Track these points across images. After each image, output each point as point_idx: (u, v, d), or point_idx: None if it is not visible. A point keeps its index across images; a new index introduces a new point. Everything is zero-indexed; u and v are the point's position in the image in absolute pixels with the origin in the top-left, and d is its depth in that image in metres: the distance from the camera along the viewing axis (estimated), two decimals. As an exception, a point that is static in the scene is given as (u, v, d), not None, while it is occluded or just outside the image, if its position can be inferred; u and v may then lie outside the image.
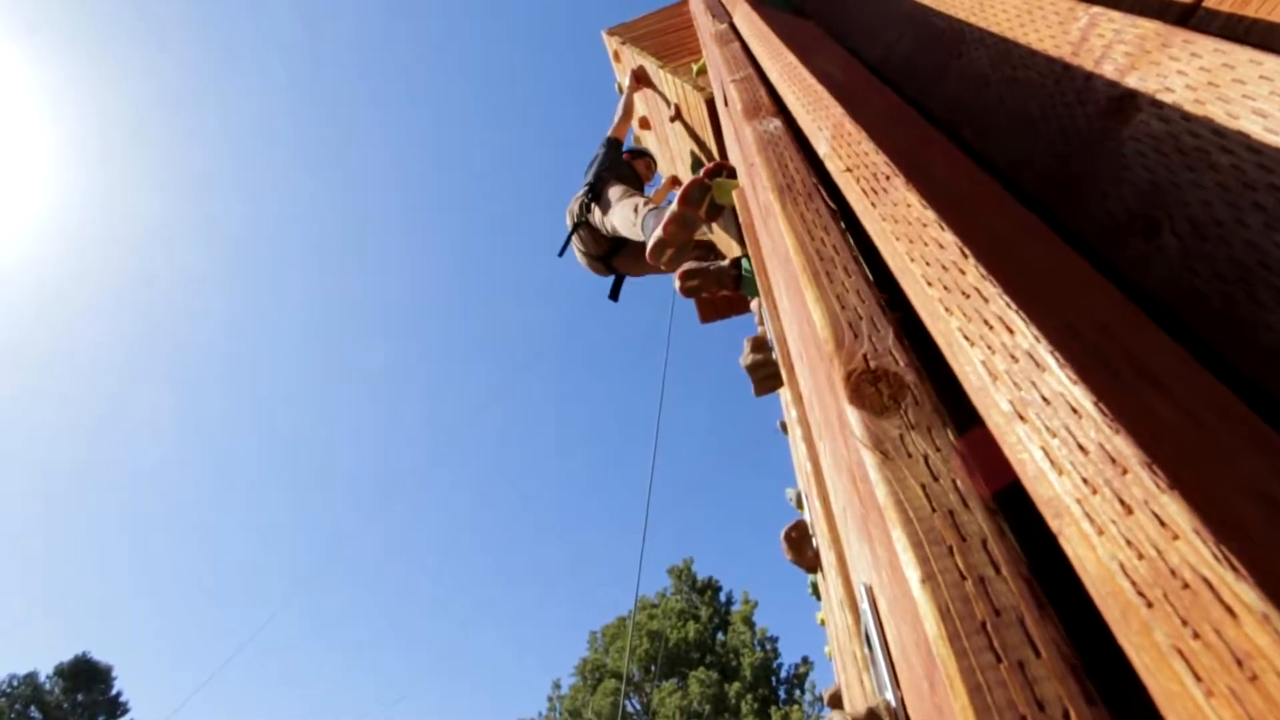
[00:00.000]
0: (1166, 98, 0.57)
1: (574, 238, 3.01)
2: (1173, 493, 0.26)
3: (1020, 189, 0.75)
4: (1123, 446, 0.28)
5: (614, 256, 2.98)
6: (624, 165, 3.24)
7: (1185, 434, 0.30)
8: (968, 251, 0.42)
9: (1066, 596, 0.31)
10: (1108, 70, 0.64)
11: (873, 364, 0.43)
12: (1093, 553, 0.27)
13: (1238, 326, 0.47)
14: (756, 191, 0.92)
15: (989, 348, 0.37)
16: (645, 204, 2.44)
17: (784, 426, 2.70)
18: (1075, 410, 0.31)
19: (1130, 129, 0.60)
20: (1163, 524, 0.26)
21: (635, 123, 3.83)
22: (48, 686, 22.68)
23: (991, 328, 0.37)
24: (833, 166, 0.67)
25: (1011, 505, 0.35)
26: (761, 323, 2.53)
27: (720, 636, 19.05)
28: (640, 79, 3.19)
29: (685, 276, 2.29)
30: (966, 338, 0.38)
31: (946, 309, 0.41)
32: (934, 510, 0.33)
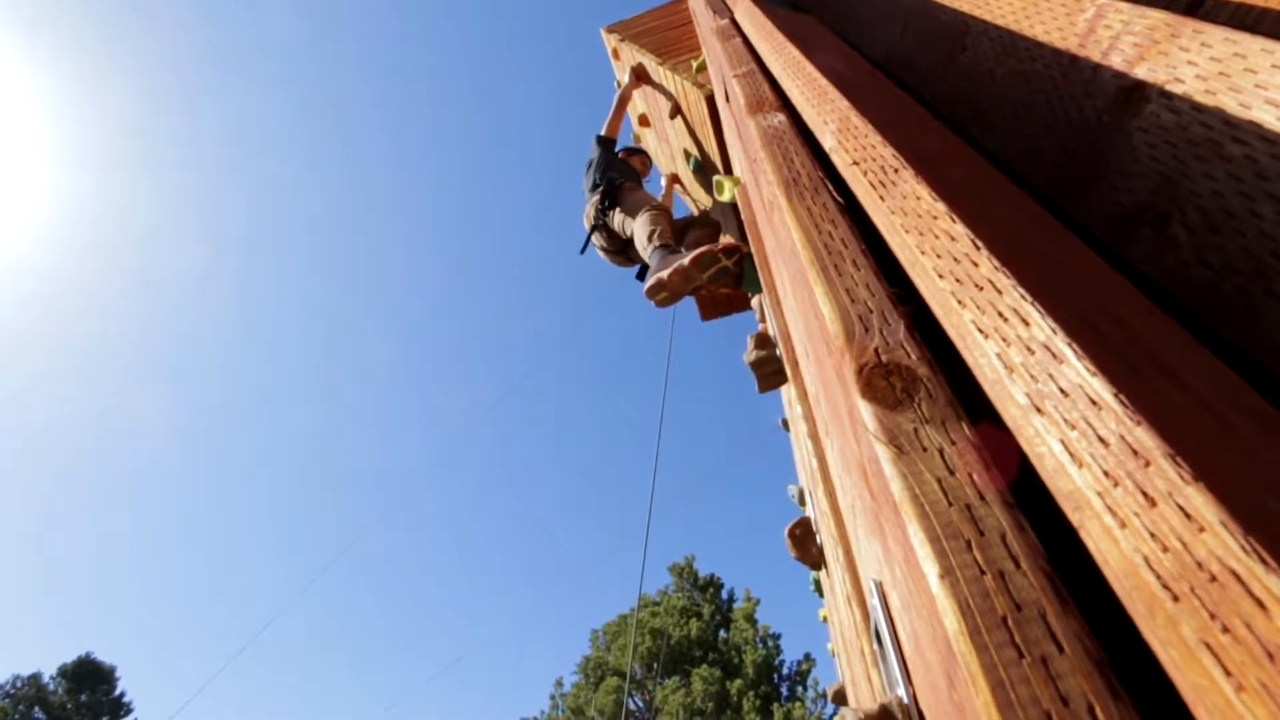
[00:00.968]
0: (1176, 88, 0.56)
1: (594, 236, 3.09)
2: (1198, 484, 0.26)
3: (1028, 181, 0.74)
4: (1145, 438, 0.28)
5: (632, 248, 3.08)
6: (623, 164, 3.29)
7: (1205, 426, 0.30)
8: (980, 244, 0.42)
9: (1087, 590, 0.30)
10: (1116, 61, 0.63)
11: (884, 358, 0.42)
12: (1115, 546, 0.27)
13: (1253, 318, 0.47)
14: (760, 187, 0.91)
15: (1004, 340, 0.36)
16: (659, 233, 2.61)
17: (785, 423, 2.69)
18: (1095, 402, 0.30)
19: (1140, 120, 0.59)
20: (1188, 516, 0.25)
21: (635, 120, 3.83)
22: (51, 687, 22.70)
23: (1006, 320, 0.37)
24: (839, 160, 0.66)
25: (1024, 498, 0.35)
26: (763, 319, 2.53)
27: (722, 634, 19.07)
28: (640, 76, 3.19)
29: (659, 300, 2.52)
30: (981, 330, 0.38)
31: (959, 302, 0.41)
32: (950, 505, 0.33)
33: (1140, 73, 0.60)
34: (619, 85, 3.39)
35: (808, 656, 18.47)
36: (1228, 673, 0.22)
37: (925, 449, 0.36)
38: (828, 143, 0.71)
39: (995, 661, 0.27)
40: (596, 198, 3.03)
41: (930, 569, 0.31)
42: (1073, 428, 0.31)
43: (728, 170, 2.63)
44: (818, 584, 2.11)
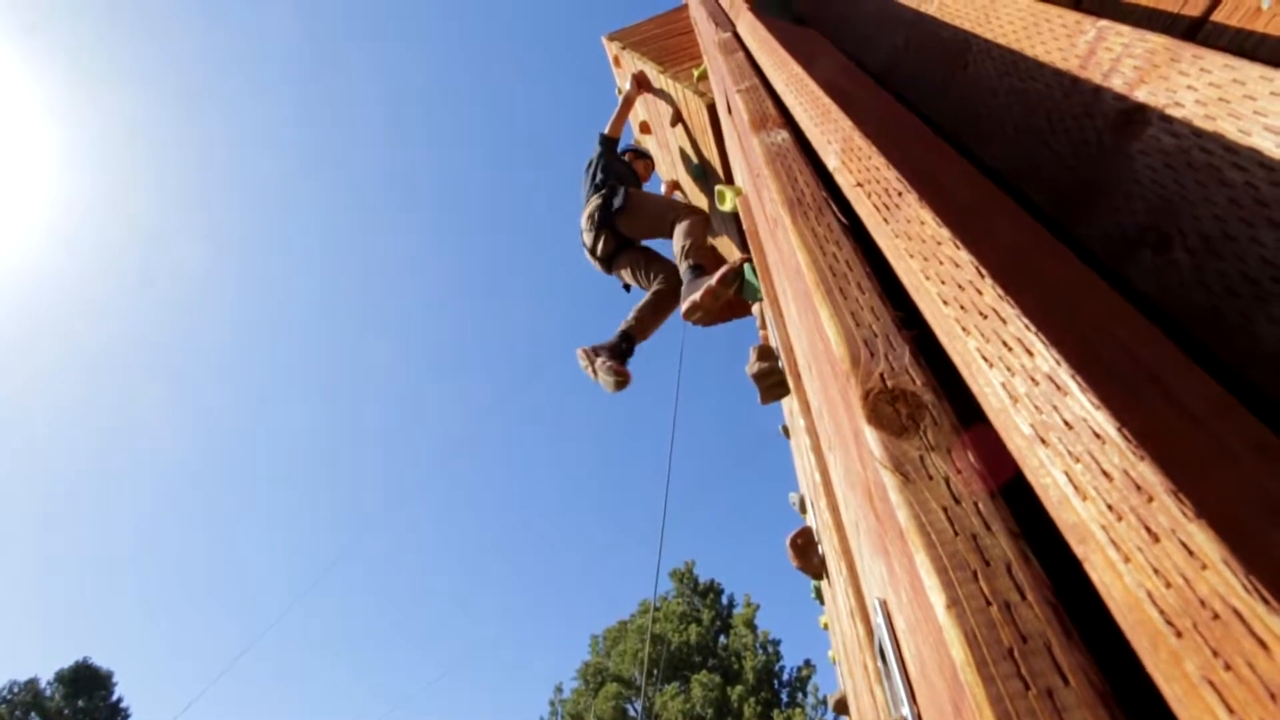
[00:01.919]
0: (1176, 113, 0.57)
1: (589, 237, 3.15)
2: (1200, 521, 0.26)
3: (1028, 200, 0.75)
4: (1148, 474, 0.28)
5: (625, 254, 3.16)
6: (625, 165, 3.36)
7: (1210, 460, 0.30)
8: (984, 271, 0.42)
9: (1088, 617, 0.31)
10: (1116, 84, 0.64)
11: (890, 383, 0.43)
12: (1119, 580, 0.28)
13: (1254, 343, 0.47)
14: (764, 203, 0.92)
15: (1009, 369, 0.37)
16: (694, 248, 2.80)
17: (786, 430, 2.70)
18: (1099, 435, 0.31)
19: (1140, 143, 0.60)
20: (1190, 553, 0.26)
21: (636, 127, 3.85)
22: (48, 692, 22.63)
23: (1010, 349, 0.38)
24: (843, 180, 0.67)
25: (1025, 525, 0.35)
26: (764, 327, 2.54)
27: (722, 639, 19.02)
28: (641, 83, 3.21)
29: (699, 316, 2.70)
30: (985, 359, 0.39)
31: (964, 329, 0.41)
32: (956, 534, 0.34)
33: (1140, 96, 0.61)
34: (620, 93, 3.40)
35: (808, 663, 18.43)
36: (1230, 710, 0.23)
37: (931, 477, 0.37)
38: (831, 163, 0.72)
39: (1002, 693, 0.28)
40: (600, 200, 3.09)
41: (937, 599, 0.31)
42: (1077, 460, 0.31)
43: (728, 177, 2.65)
44: (819, 592, 2.11)
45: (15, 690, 22.31)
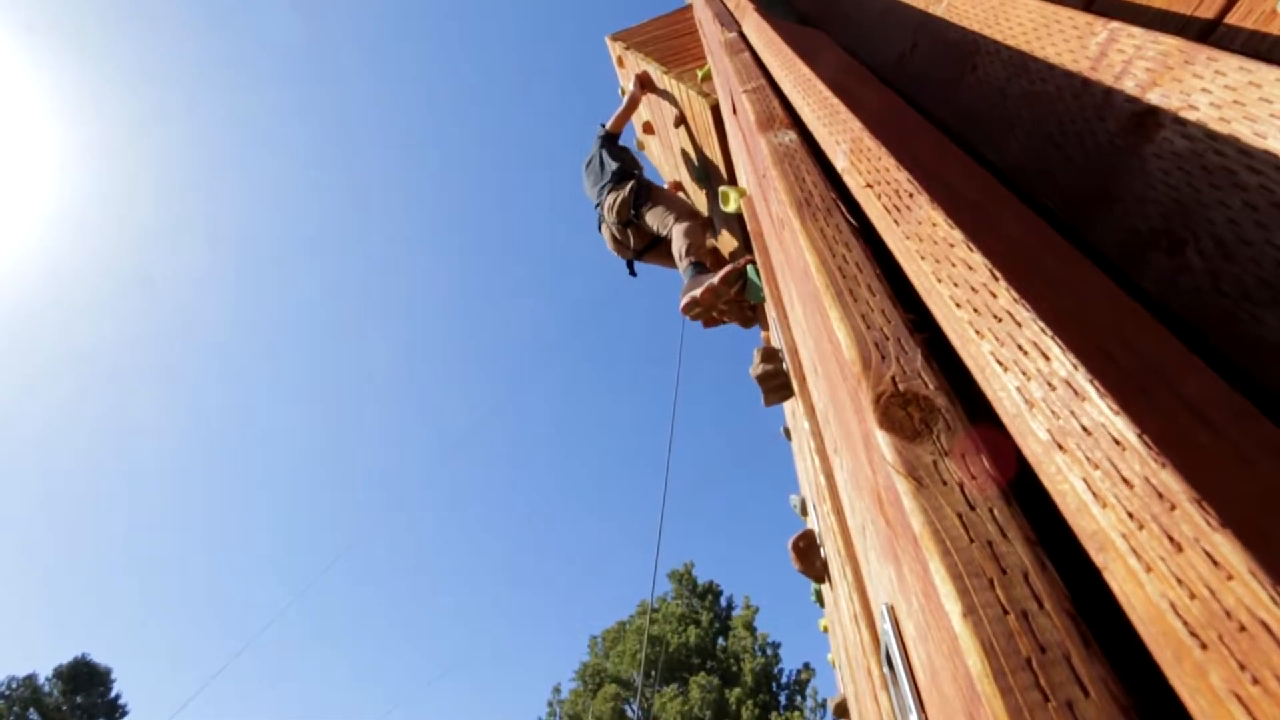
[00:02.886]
0: (1190, 115, 0.56)
1: (611, 230, 3.18)
2: (1225, 531, 0.26)
3: (1040, 203, 0.75)
4: (1170, 481, 0.28)
5: (645, 253, 3.20)
6: (631, 156, 3.41)
7: (1230, 468, 0.30)
8: (999, 274, 0.42)
9: (1108, 628, 0.30)
10: (1128, 86, 0.63)
11: (902, 387, 0.42)
12: (1141, 590, 0.27)
13: (1268, 347, 0.47)
14: (769, 204, 0.92)
15: (1024, 374, 0.36)
16: (695, 248, 2.80)
17: (787, 432, 2.69)
18: (1118, 442, 0.30)
19: (1153, 146, 0.59)
20: (1215, 563, 0.25)
21: (639, 128, 3.85)
22: (46, 689, 22.63)
23: (1026, 354, 0.37)
24: (852, 182, 0.67)
25: (1040, 529, 0.35)
26: (766, 328, 2.53)
27: (721, 641, 19.00)
28: (645, 84, 3.21)
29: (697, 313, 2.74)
30: (1000, 363, 0.38)
31: (978, 332, 0.41)
32: (972, 541, 0.33)
33: (1153, 98, 0.60)
34: (624, 93, 3.40)
35: (807, 666, 18.41)
36: (1259, 725, 0.22)
37: (945, 482, 0.36)
38: (840, 163, 0.71)
39: (1020, 705, 0.27)
40: (626, 194, 3.09)
41: (953, 607, 0.31)
42: (1095, 467, 0.31)
43: (731, 178, 2.64)
44: (819, 595, 2.10)
45: (14, 686, 22.32)
